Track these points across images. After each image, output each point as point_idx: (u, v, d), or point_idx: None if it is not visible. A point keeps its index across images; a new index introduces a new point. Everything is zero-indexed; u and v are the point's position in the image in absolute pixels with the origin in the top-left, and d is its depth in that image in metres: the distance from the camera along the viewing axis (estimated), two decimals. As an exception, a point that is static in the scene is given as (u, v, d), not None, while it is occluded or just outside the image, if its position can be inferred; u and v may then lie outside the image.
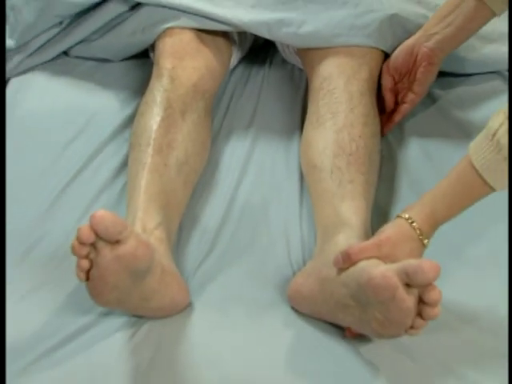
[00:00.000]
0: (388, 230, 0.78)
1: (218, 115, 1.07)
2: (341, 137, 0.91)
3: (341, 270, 0.77)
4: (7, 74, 1.12)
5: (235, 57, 1.12)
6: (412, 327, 0.71)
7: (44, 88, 1.10)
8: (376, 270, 0.71)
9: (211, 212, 0.94)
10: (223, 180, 0.98)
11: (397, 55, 1.00)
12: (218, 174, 0.99)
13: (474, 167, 0.75)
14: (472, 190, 0.76)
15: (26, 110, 1.06)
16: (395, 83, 1.02)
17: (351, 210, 0.85)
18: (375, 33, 1.02)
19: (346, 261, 0.76)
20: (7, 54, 1.11)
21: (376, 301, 0.70)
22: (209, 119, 1.00)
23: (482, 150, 0.74)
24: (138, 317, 0.81)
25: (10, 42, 1.11)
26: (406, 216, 0.77)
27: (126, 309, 0.79)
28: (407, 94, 1.01)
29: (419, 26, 1.02)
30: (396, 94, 1.03)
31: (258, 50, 1.18)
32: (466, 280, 0.85)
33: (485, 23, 0.97)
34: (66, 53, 1.14)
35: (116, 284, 0.73)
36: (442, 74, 1.04)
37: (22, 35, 1.10)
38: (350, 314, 0.75)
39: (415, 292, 0.69)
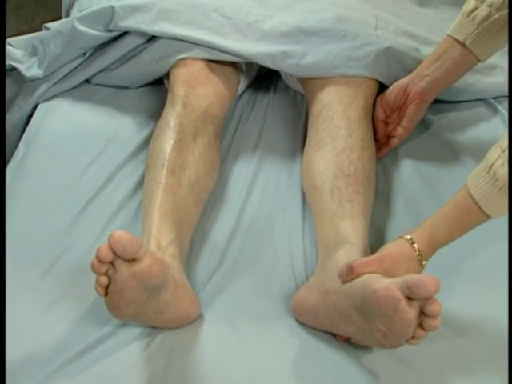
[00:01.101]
0: (389, 248, 0.77)
1: (226, 138, 1.05)
2: (340, 159, 0.89)
3: (344, 282, 0.74)
4: (36, 101, 1.10)
5: (242, 84, 1.10)
6: (413, 337, 0.69)
7: (67, 112, 1.08)
8: (379, 283, 0.69)
9: (220, 228, 0.92)
10: (231, 198, 0.96)
11: (390, 91, 0.99)
12: (226, 192, 0.97)
13: (471, 196, 0.73)
14: (469, 216, 0.75)
15: (51, 132, 1.04)
16: (386, 117, 1.00)
17: (351, 227, 0.83)
18: (371, 64, 1.00)
19: (349, 273, 0.74)
20: (36, 83, 1.11)
21: (379, 313, 0.68)
22: (218, 142, 0.98)
23: (479, 181, 0.73)
24: (153, 328, 0.78)
25: (38, 72, 1.10)
26: (408, 237, 0.76)
27: (141, 321, 0.77)
28: (396, 129, 0.99)
29: (411, 58, 1.01)
30: (386, 125, 1.01)
31: (263, 77, 1.16)
32: (463, 293, 0.82)
33: (471, 67, 0.96)
34: (87, 81, 1.13)
35: (132, 299, 0.71)
36: (434, 101, 1.01)
37: (50, 66, 1.09)
38: (352, 324, 0.73)
39: (416, 304, 0.67)
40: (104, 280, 0.70)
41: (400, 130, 0.98)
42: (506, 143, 0.71)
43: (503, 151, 0.71)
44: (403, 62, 1.01)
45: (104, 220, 0.91)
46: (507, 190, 0.71)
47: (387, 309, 0.67)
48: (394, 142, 0.99)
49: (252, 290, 0.83)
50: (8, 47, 1.15)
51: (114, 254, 0.68)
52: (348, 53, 0.99)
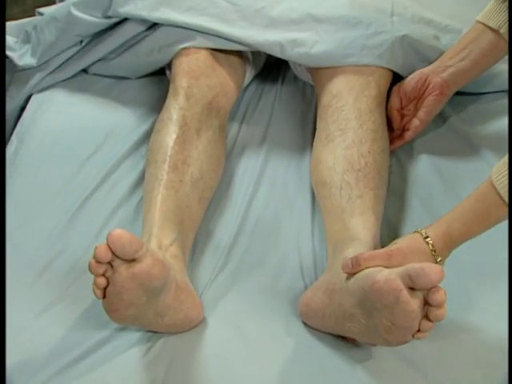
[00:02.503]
0: (401, 242, 0.76)
1: (231, 131, 1.06)
2: (350, 153, 0.89)
3: (348, 279, 0.74)
4: (29, 91, 1.11)
5: (249, 74, 1.10)
6: (419, 330, 0.68)
7: (63, 104, 1.09)
8: (379, 274, 0.69)
9: (225, 227, 0.92)
10: (236, 195, 0.96)
11: (409, 80, 0.99)
12: (231, 189, 0.97)
13: (494, 186, 0.72)
14: (490, 209, 0.73)
15: (46, 125, 1.05)
16: (402, 107, 1.00)
17: (360, 224, 0.83)
18: (386, 53, 1.00)
19: (355, 266, 0.74)
20: (29, 72, 1.11)
21: (381, 306, 0.68)
22: (223, 136, 0.98)
23: (503, 170, 0.72)
24: (153, 332, 0.79)
25: (31, 61, 1.11)
26: (422, 231, 0.76)
27: (140, 325, 0.77)
28: (412, 121, 0.99)
29: (429, 47, 1.01)
30: (402, 116, 1.01)
31: (271, 67, 1.17)
32: (478, 295, 0.82)
33: (501, 58, 0.95)
34: (84, 70, 1.13)
35: (132, 301, 0.72)
36: (454, 93, 1.00)
37: (44, 54, 1.10)
38: (356, 322, 0.73)
39: (419, 295, 0.67)
40: (102, 281, 0.70)
41: (415, 122, 0.98)
42: None
43: None
44: (421, 52, 1.01)
45: (102, 218, 0.92)
46: None
47: (388, 300, 0.67)
48: (408, 135, 0.99)
49: (258, 292, 0.84)
50: (-2, 33, 1.15)
51: (113, 253, 0.68)
52: (361, 41, 0.99)
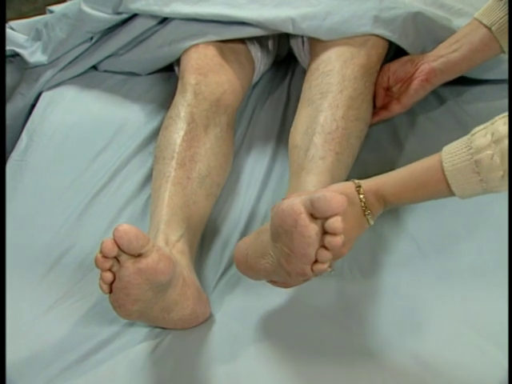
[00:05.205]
0: (332, 187, 0.76)
1: (240, 128, 1.07)
2: (323, 115, 0.91)
3: None
4: (40, 88, 1.14)
5: (258, 72, 1.12)
6: (316, 261, 0.70)
7: (73, 101, 1.11)
8: (286, 201, 0.71)
9: (232, 224, 0.94)
10: (244, 192, 0.98)
11: (400, 60, 1.00)
12: (239, 186, 0.99)
13: (440, 162, 0.71)
14: (429, 182, 0.72)
15: (56, 122, 1.08)
16: (388, 87, 1.01)
17: (313, 183, 0.84)
18: (399, 29, 1.00)
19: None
20: (40, 69, 1.14)
21: (282, 230, 0.70)
22: (231, 133, 1.00)
23: (455, 152, 0.70)
24: (160, 328, 0.81)
25: (42, 58, 1.14)
26: (355, 181, 0.75)
27: (147, 320, 0.79)
28: (392, 102, 1.00)
29: (442, 27, 1.01)
30: (386, 96, 1.01)
31: (280, 64, 1.18)
32: (480, 293, 0.83)
33: (491, 57, 0.96)
34: (95, 67, 1.16)
35: (138, 296, 0.74)
36: (460, 82, 1.02)
37: (54, 51, 1.13)
38: (268, 257, 0.74)
39: (319, 223, 0.69)
40: (108, 276, 0.72)
41: (395, 104, 0.99)
42: (499, 131, 0.67)
43: (493, 142, 0.67)
44: (433, 31, 1.01)
45: (110, 216, 0.94)
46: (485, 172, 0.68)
47: (288, 224, 0.69)
48: (384, 113, 1.00)
49: (265, 289, 0.84)
50: (9, 31, 1.17)
51: (119, 248, 0.70)
52: (374, 13, 1.00)
